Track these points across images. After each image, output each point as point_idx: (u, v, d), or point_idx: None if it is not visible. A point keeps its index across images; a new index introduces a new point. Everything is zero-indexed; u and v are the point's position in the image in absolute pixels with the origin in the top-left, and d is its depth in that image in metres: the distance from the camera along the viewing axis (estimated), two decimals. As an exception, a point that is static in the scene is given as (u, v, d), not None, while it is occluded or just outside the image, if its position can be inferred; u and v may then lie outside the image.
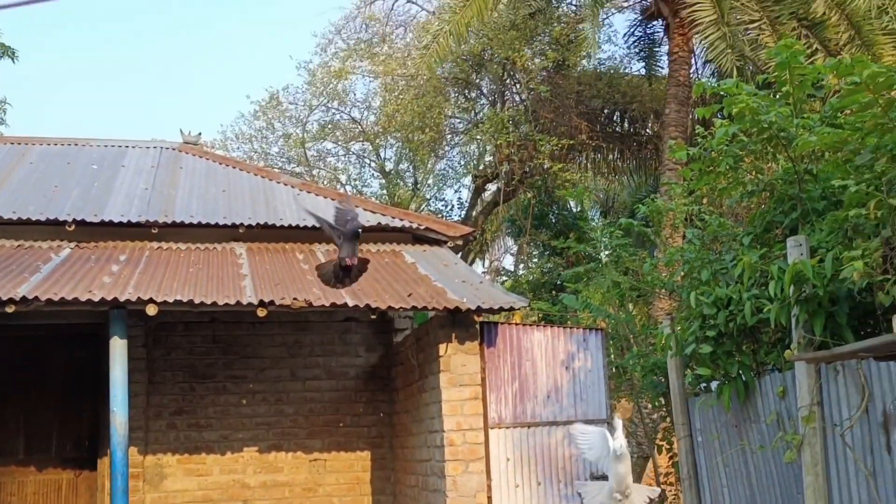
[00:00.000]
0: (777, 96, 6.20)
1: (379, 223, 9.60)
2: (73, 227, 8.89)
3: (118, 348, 7.11)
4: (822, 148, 5.64)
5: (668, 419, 9.17)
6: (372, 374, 10.01)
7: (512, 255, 24.50)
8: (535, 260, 21.18)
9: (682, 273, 7.39)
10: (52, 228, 8.95)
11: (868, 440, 4.95)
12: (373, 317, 7.41)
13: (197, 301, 6.99)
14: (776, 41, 10.98)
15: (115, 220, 9.11)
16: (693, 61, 15.07)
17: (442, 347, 7.42)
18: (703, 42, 13.14)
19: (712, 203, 9.04)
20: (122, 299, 6.86)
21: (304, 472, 9.65)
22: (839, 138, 5.33)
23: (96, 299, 6.84)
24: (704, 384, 7.06)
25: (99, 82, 43.08)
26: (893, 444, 4.71)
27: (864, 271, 4.61)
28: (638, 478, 11.59)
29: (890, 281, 4.64)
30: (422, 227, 9.78)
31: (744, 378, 6.18)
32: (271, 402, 9.75)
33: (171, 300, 6.96)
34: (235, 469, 9.53)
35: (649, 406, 10.58)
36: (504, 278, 21.17)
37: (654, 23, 16.28)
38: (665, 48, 15.92)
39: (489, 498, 7.20)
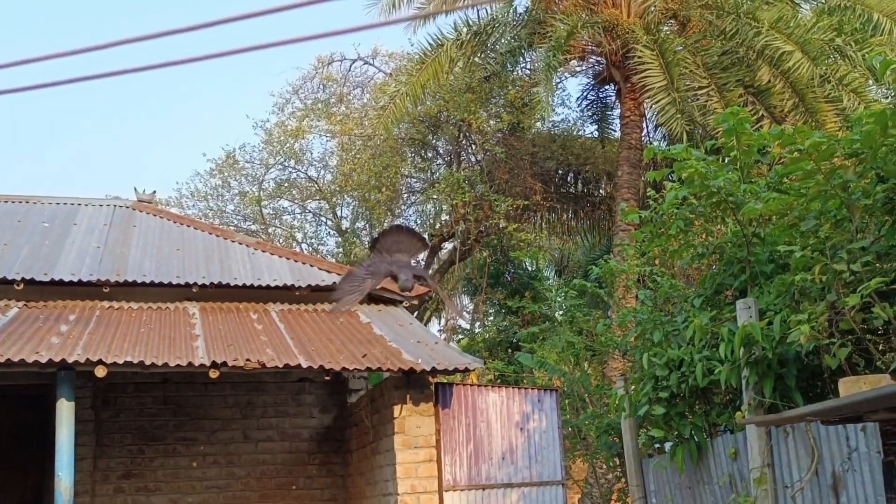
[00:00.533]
0: (725, 161, 6.36)
1: (334, 283, 9.57)
2: (21, 285, 8.74)
3: (65, 410, 6.96)
4: (769, 213, 5.78)
5: (622, 480, 9.17)
6: (326, 436, 9.89)
7: (468, 313, 24.51)
8: (491, 318, 21.22)
9: (635, 334, 7.47)
10: (0, 287, 8.78)
11: (818, 502, 5.00)
12: (327, 378, 7.35)
13: (148, 362, 6.89)
14: (724, 107, 11.31)
15: (66, 279, 8.97)
16: (644, 125, 15.41)
17: (397, 409, 7.37)
18: (653, 106, 13.46)
19: (664, 264, 9.19)
20: (70, 360, 6.73)
21: (255, 537, 9.46)
22: (785, 204, 5.48)
23: (43, 361, 6.71)
24: (658, 445, 7.09)
25: (52, 139, 42.73)
26: (843, 506, 4.76)
27: (810, 335, 4.71)
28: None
29: (836, 344, 4.74)
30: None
31: (696, 439, 6.22)
32: (222, 464, 9.57)
33: (121, 361, 6.85)
34: (184, 534, 9.31)
35: (604, 466, 10.58)
36: (460, 337, 21.14)
37: (607, 87, 16.66)
38: (617, 112, 16.29)
39: (444, 563, 7.10)
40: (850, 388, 3.69)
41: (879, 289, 4.56)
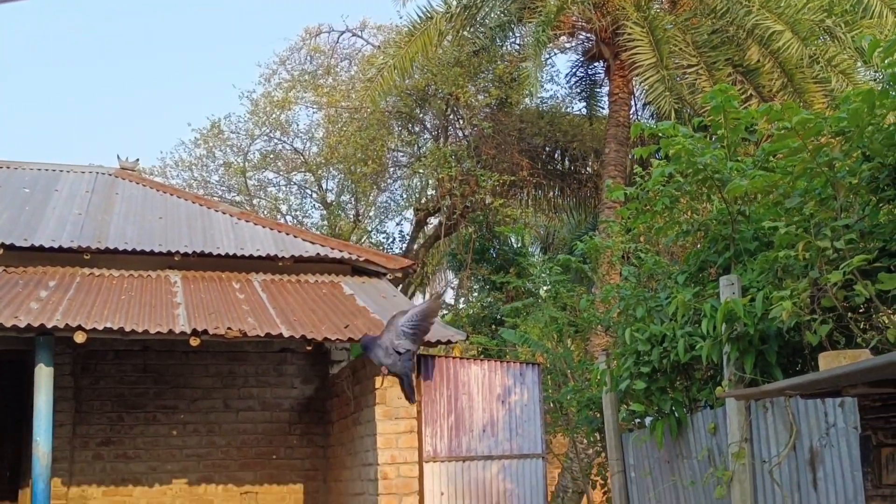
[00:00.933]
0: (712, 139, 6.35)
1: (318, 254, 9.54)
2: (0, 250, 8.65)
3: (43, 376, 6.91)
4: (754, 191, 5.77)
5: (602, 454, 9.21)
6: (307, 407, 9.89)
7: (452, 288, 24.52)
8: (476, 294, 21.22)
9: (618, 310, 7.47)
10: (-20, 252, 8.70)
11: (796, 476, 5.03)
12: (308, 348, 7.32)
13: (128, 329, 6.84)
14: (713, 86, 11.26)
15: (46, 245, 8.89)
16: (633, 102, 15.37)
17: (378, 380, 7.36)
18: (642, 84, 13.42)
19: (649, 241, 9.18)
20: (49, 326, 6.68)
21: (234, 506, 9.47)
22: (770, 182, 5.47)
23: (22, 325, 6.65)
24: (638, 420, 7.12)
25: (36, 104, 42.28)
26: (819, 481, 4.79)
27: (792, 311, 4.71)
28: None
29: (817, 321, 4.75)
30: (361, 259, 9.75)
31: (676, 414, 6.24)
32: (203, 433, 9.56)
33: (100, 327, 6.80)
34: (163, 501, 9.31)
35: (584, 441, 10.63)
36: (444, 312, 21.16)
37: (596, 64, 16.59)
38: (606, 89, 16.22)
39: (422, 533, 7.13)
40: (830, 362, 3.70)
41: (862, 267, 4.57)
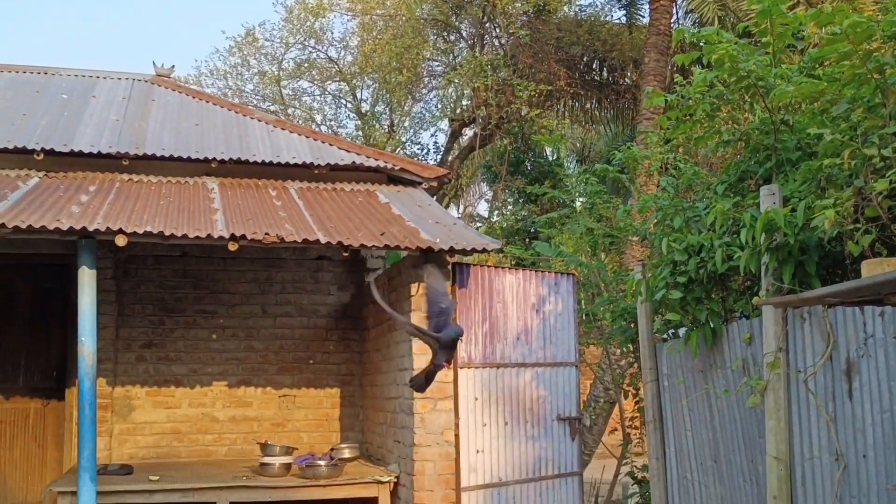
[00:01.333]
0: (757, 45, 6.18)
1: (353, 162, 9.53)
2: (41, 155, 8.73)
3: (87, 278, 7.04)
4: (799, 98, 5.63)
5: (635, 365, 9.29)
6: (343, 313, 10.03)
7: (487, 201, 24.50)
8: (510, 207, 21.19)
9: (655, 220, 7.42)
10: (20, 157, 8.78)
11: (831, 387, 5.04)
12: (345, 255, 7.37)
13: (167, 233, 6.92)
14: (758, -8, 10.91)
15: (85, 151, 8.95)
16: (674, 10, 14.95)
17: (413, 287, 7.42)
18: (685, -10, 13.04)
19: (688, 152, 9.06)
20: (90, 229, 6.77)
21: (273, 408, 9.71)
22: (816, 89, 5.33)
23: (65, 228, 6.75)
24: (672, 331, 7.14)
25: (71, 11, 42.08)
26: (855, 391, 4.80)
27: (834, 220, 4.65)
28: (604, 422, 11.80)
29: (860, 230, 4.69)
30: (396, 168, 9.72)
31: (711, 324, 6.24)
32: (241, 337, 9.76)
33: (140, 231, 6.88)
34: (204, 403, 9.57)
35: (617, 352, 10.71)
36: (478, 224, 21.17)
37: (637, -31, 16.14)
38: (647, -4, 15.79)
39: (456, 436, 7.27)
40: (874, 269, 3.66)
41: (909, 176, 4.48)
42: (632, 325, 8.10)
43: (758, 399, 5.50)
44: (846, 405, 4.88)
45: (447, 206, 21.57)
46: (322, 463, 7.72)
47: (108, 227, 6.79)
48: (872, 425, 4.63)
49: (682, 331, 6.81)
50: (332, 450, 8.90)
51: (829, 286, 3.66)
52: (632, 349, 8.98)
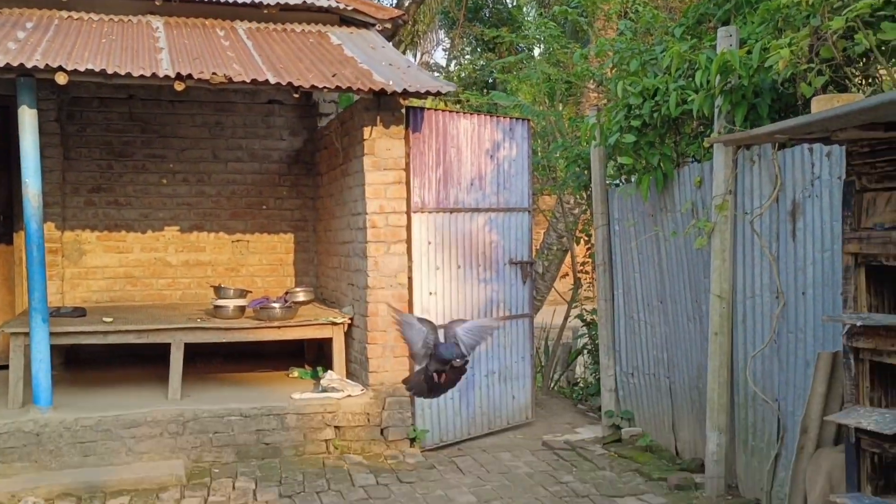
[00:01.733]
0: None
1: (304, 2, 9.16)
2: (-27, -12, 8.27)
3: (28, 118, 6.79)
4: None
5: (588, 211, 9.39)
6: (296, 159, 9.91)
7: (444, 49, 23.97)
8: (468, 56, 20.79)
9: (612, 64, 7.33)
10: (-50, -10, 8.31)
11: (775, 228, 5.14)
12: (296, 96, 7.18)
13: (110, 71, 6.65)
14: None
15: (21, -16, 8.48)
16: None
17: (367, 131, 7.31)
18: None
19: (648, -4, 8.86)
20: (29, 66, 6.47)
21: (226, 253, 9.70)
22: (781, -76, 5.18)
23: (1, 65, 6.46)
24: (625, 177, 7.18)
25: None
26: (798, 231, 4.90)
27: (789, 60, 4.62)
28: (556, 269, 12.02)
29: (813, 71, 4.66)
30: (349, 8, 9.38)
31: (663, 169, 6.29)
32: (192, 182, 9.62)
33: (82, 69, 6.60)
34: (157, 247, 9.52)
35: (571, 201, 10.80)
36: (436, 74, 20.77)
37: None
38: None
39: (410, 279, 7.34)
40: (824, 105, 3.65)
41: (865, 16, 4.42)
42: (585, 172, 8.14)
43: (705, 241, 5.60)
44: (789, 245, 4.99)
45: (403, 53, 21.07)
46: (276, 305, 7.78)
47: (47, 65, 6.51)
48: (813, 264, 4.76)
49: (634, 177, 6.86)
50: (286, 293, 8.97)
51: (780, 122, 3.65)
52: (585, 196, 9.06)
